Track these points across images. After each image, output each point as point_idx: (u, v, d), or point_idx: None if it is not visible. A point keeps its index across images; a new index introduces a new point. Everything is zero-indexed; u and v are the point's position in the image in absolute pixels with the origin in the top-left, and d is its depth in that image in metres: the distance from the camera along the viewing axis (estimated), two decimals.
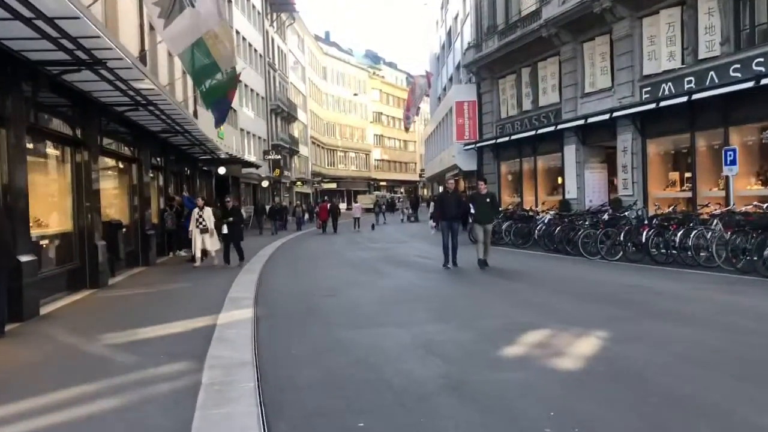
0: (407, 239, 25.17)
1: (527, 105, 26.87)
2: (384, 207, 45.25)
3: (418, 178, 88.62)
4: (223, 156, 26.43)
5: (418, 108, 48.25)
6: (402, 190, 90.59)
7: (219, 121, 19.95)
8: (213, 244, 15.43)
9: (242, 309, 8.96)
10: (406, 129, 58.49)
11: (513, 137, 26.60)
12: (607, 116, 20.00)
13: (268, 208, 32.95)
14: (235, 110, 36.67)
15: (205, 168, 28.54)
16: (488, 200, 13.49)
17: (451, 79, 40.70)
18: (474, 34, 31.51)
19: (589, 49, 22.42)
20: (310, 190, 67.10)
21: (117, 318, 8.71)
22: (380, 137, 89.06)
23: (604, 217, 15.80)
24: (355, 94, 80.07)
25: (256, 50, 43.84)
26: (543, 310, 8.24)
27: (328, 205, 33.50)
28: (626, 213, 15.74)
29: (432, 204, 35.22)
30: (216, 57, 14.93)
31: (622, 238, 13.87)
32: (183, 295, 10.93)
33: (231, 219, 15.40)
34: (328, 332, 7.31)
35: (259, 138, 45.07)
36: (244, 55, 39.18)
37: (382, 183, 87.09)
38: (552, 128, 23.47)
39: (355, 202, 47.60)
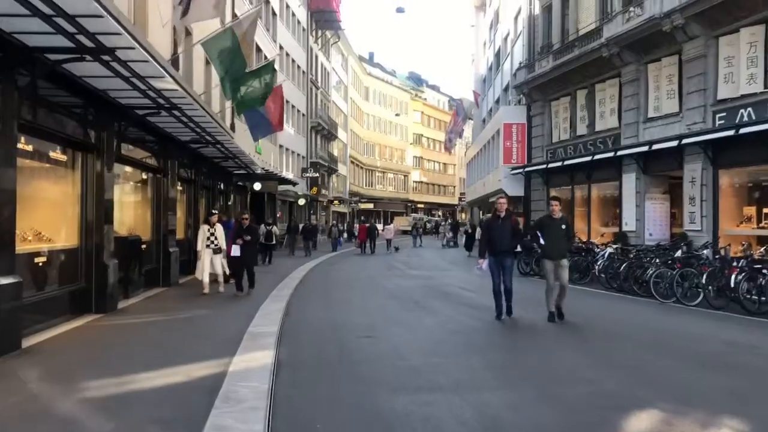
0: (448, 267, 23.51)
1: (582, 129, 25.12)
2: (421, 230, 44.64)
3: (456, 202, 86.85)
4: (259, 171, 25.23)
5: (462, 130, 46.71)
6: (440, 213, 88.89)
7: (255, 133, 18.61)
8: (224, 265, 13.67)
9: (262, 350, 7.46)
10: (448, 150, 56.96)
11: (566, 162, 24.87)
12: (675, 143, 18.15)
13: (301, 227, 31.54)
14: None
15: (240, 183, 27.38)
16: (563, 227, 10.20)
17: (498, 101, 39.17)
18: (526, 53, 29.99)
19: (654, 71, 20.66)
20: (347, 210, 65.86)
21: (112, 356, 7.27)
22: (420, 159, 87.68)
23: (677, 254, 13.97)
24: (397, 115, 78.91)
25: (299, 66, 42.96)
26: (639, 376, 6.49)
27: (367, 226, 34.11)
28: (704, 251, 13.87)
29: (468, 232, 33.56)
30: (247, 59, 13.78)
31: (704, 281, 12.03)
32: (197, 327, 9.49)
33: (248, 237, 13.21)
34: (365, 395, 5.74)
35: (298, 155, 44.03)
36: (286, 71, 38.27)
37: (419, 205, 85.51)
38: (611, 154, 21.67)
39: (388, 224, 46.15)
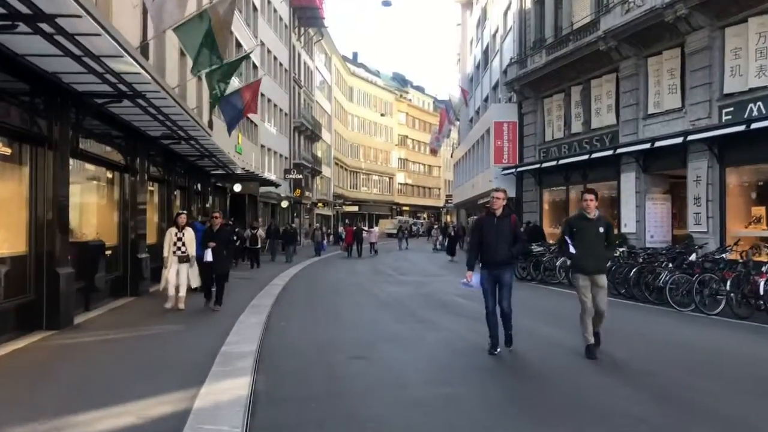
0: (439, 272, 22.34)
1: (577, 127, 24.12)
2: (407, 233, 44.39)
3: (442, 205, 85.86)
4: (239, 171, 23.91)
5: (450, 130, 45.59)
6: (425, 215, 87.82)
7: (230, 126, 17.34)
8: (193, 278, 11.69)
9: (236, 378, 6.24)
10: (434, 152, 55.85)
11: (561, 162, 23.83)
12: (679, 139, 17.16)
13: (282, 230, 30.18)
14: (256, 125, 34.36)
15: (219, 184, 26.03)
16: (601, 230, 7.56)
17: (486, 100, 38.17)
18: (517, 49, 28.95)
19: (654, 65, 19.68)
20: (331, 213, 64.52)
21: (52, 388, 5.98)
22: (405, 161, 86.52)
23: (690, 258, 12.92)
24: (383, 115, 77.81)
25: (281, 64, 41.59)
26: (701, 413, 5.32)
27: (354, 229, 34.07)
28: (723, 255, 12.82)
29: (450, 235, 32.03)
30: (220, 48, 12.60)
31: (728, 288, 10.97)
32: (162, 346, 8.19)
33: (213, 245, 11.26)
34: None
35: (281, 156, 42.64)
36: (268, 68, 36.93)
37: (405, 208, 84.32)
38: (609, 152, 20.65)
39: (371, 227, 45.09)
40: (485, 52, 39.87)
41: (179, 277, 11.33)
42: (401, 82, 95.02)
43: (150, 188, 15.08)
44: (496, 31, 35.56)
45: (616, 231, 20.90)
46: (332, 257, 31.26)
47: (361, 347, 8.13)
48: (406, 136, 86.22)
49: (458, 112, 41.10)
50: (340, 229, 41.06)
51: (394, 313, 11.43)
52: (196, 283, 11.68)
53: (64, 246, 9.28)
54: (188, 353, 7.64)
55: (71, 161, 10.08)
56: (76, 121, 9.66)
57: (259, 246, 24.72)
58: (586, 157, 22.04)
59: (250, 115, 27.94)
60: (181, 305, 11.30)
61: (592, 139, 22.97)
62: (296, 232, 33.24)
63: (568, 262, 8.35)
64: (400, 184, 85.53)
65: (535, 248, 18.62)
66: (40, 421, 4.86)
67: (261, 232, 25.49)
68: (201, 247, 11.42)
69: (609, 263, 11.69)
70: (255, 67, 32.66)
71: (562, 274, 16.83)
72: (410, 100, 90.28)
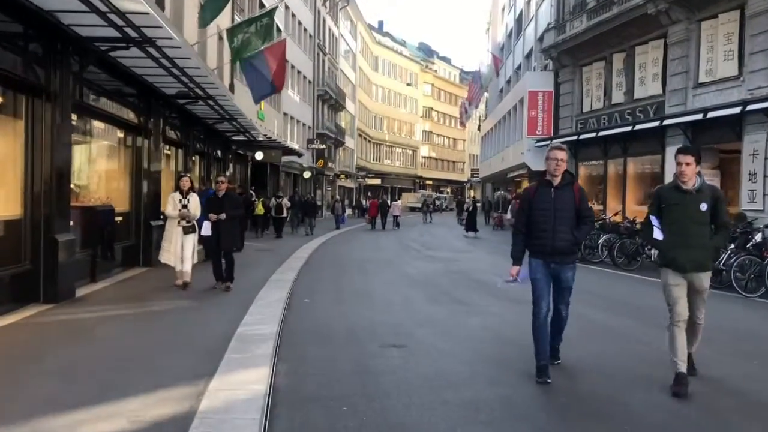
0: (468, 247, 21.26)
1: (618, 97, 22.70)
2: (432, 207, 44.70)
3: (465, 179, 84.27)
4: (261, 138, 22.89)
5: (479, 101, 44.02)
6: (448, 190, 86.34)
7: (256, 93, 16.06)
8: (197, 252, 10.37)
9: (253, 368, 5.24)
10: (463, 124, 54.35)
11: (600, 133, 22.44)
12: (737, 110, 15.77)
13: (303, 201, 29.18)
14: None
15: (240, 152, 25.05)
16: (703, 207, 5.08)
17: (519, 69, 36.61)
18: (555, 14, 27.38)
19: (709, 29, 18.16)
20: (353, 185, 63.42)
21: (33, 379, 4.98)
22: (429, 134, 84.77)
23: (756, 238, 11.69)
24: (409, 84, 76.13)
25: (305, 29, 40.24)
26: None
27: (378, 202, 34.41)
28: None
29: (468, 210, 30.47)
30: None
31: None
32: (170, 326, 7.23)
33: (216, 217, 9.51)
34: None
35: (304, 125, 41.50)
36: (293, 33, 35.64)
37: (428, 182, 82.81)
38: (655, 124, 19.23)
39: (395, 200, 44.22)
40: (518, 19, 38.23)
41: (185, 250, 9.86)
42: (427, 53, 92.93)
43: (166, 152, 14.12)
44: None
45: None
46: (355, 230, 30.31)
47: (395, 333, 7.08)
48: (431, 108, 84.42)
49: (486, 84, 39.45)
50: (364, 201, 40.37)
51: (428, 293, 10.36)
52: (196, 257, 10.29)
53: (64, 210, 8.34)
54: (199, 335, 6.67)
55: (76, 117, 9.12)
56: (79, 70, 8.64)
57: (285, 216, 23.90)
58: (628, 128, 20.64)
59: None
60: (188, 278, 9.98)
61: (634, 110, 21.58)
62: (316, 204, 32.40)
63: (655, 252, 5.98)
64: (424, 157, 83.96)
65: None
66: (10, 424, 3.90)
67: (286, 201, 24.56)
68: (204, 215, 9.86)
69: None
70: (278, 30, 31.44)
71: (605, 252, 15.67)
72: (436, 71, 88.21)
